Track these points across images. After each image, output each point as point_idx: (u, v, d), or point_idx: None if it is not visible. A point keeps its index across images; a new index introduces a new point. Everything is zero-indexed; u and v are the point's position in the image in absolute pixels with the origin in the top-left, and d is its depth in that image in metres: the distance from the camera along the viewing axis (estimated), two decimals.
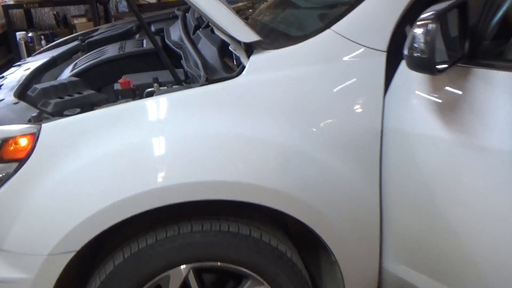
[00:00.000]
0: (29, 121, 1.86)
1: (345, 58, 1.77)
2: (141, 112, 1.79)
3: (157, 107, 1.81)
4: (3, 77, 2.81)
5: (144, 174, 1.71)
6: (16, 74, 2.80)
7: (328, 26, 1.82)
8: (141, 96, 2.16)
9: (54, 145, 1.76)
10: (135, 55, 2.69)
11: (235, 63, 2.02)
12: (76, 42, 3.26)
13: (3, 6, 4.56)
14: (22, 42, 4.64)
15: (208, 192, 1.72)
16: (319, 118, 1.76)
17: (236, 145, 1.73)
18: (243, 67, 1.86)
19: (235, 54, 1.95)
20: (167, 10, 3.69)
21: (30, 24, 4.74)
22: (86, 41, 3.18)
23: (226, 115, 1.76)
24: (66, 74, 2.74)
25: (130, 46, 2.80)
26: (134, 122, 1.76)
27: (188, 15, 3.06)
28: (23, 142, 1.78)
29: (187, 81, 2.21)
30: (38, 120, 1.90)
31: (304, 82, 1.78)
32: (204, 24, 2.54)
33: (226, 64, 2.06)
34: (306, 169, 1.75)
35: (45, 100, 2.15)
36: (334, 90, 1.77)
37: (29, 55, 4.77)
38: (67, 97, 2.15)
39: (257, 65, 1.82)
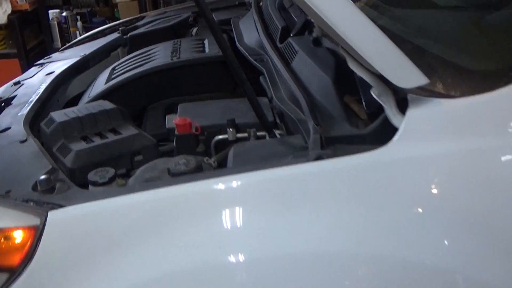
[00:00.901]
0: (32, 200, 1.13)
1: None
2: (211, 203, 1.03)
3: (239, 192, 1.05)
4: (18, 82, 2.11)
5: None
6: (36, 80, 2.10)
7: None
8: (206, 146, 1.41)
9: (67, 252, 1.03)
10: (194, 65, 1.93)
11: (365, 108, 1.24)
12: (115, 35, 2.53)
13: None
14: (55, 22, 3.95)
15: None
16: None
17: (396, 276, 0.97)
18: (385, 124, 1.08)
19: (370, 97, 1.17)
20: None
21: (65, 0, 4.07)
22: (128, 35, 2.44)
23: (363, 219, 0.99)
24: (101, 82, 2.01)
25: (186, 49, 2.04)
26: (202, 221, 1.01)
27: (265, 3, 2.26)
28: (18, 238, 1.06)
29: (278, 125, 1.44)
30: (47, 186, 1.17)
31: None
32: (296, 27, 1.75)
33: (348, 106, 1.28)
34: None
35: (64, 142, 1.43)
36: None
37: (62, 38, 4.08)
38: (96, 139, 1.43)
39: (421, 126, 1.03)
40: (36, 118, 1.76)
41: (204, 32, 2.36)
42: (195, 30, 2.43)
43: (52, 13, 4.01)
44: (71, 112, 1.53)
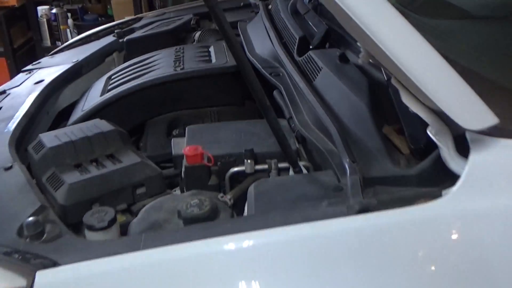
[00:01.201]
0: (17, 252, 0.94)
1: None
2: (235, 267, 0.85)
3: (267, 254, 0.86)
4: (4, 92, 1.91)
5: None
6: (23, 89, 1.90)
7: None
8: (220, 178, 1.23)
9: None
10: (200, 77, 1.74)
11: (409, 142, 1.06)
12: (110, 38, 2.33)
13: None
14: (44, 20, 3.71)
15: None
16: None
17: None
18: (437, 165, 0.91)
19: (415, 130, 0.99)
20: None
21: None
22: (125, 39, 2.24)
23: None
24: (96, 94, 1.82)
25: (191, 58, 1.85)
26: None
27: (274, 7, 2.07)
28: None
29: (299, 151, 1.26)
30: (34, 231, 0.99)
31: None
32: (316, 38, 1.56)
33: (387, 138, 1.11)
34: None
35: (55, 172, 1.24)
36: None
37: (52, 36, 3.86)
38: (92, 168, 1.24)
39: (488, 174, 0.86)
40: (23, 136, 1.57)
41: (208, 37, 2.18)
42: (197, 34, 2.24)
43: (41, 9, 3.78)
44: (63, 135, 1.34)
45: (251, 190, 1.05)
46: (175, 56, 1.88)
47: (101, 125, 1.39)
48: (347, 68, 1.33)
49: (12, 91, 1.92)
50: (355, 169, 0.99)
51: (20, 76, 2.08)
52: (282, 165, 1.21)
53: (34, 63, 2.18)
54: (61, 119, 1.89)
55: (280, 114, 1.47)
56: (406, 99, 0.92)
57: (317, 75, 1.39)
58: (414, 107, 0.90)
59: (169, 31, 2.24)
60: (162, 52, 1.97)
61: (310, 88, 1.34)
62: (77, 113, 1.77)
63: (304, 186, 1.04)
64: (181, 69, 1.75)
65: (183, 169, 1.23)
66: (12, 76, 3.82)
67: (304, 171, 1.16)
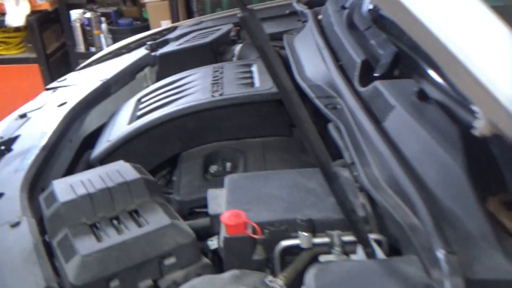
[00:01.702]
0: None
1: None
2: None
3: None
4: (24, 115, 1.72)
5: None
6: (45, 113, 1.70)
7: None
8: (267, 251, 0.98)
9: None
10: (241, 104, 1.50)
11: None
12: (142, 51, 2.11)
13: None
14: (78, 24, 3.53)
15: None
16: None
17: None
18: None
19: None
20: None
21: None
22: (158, 53, 2.02)
23: None
24: (124, 120, 1.61)
25: (231, 80, 1.60)
26: None
27: (326, 19, 1.80)
28: None
29: (370, 221, 1.00)
30: None
31: None
32: (383, 63, 1.29)
33: (494, 216, 0.83)
34: None
35: (67, 235, 1.02)
36: None
37: (85, 41, 3.69)
38: (110, 231, 1.01)
39: None
40: (39, 174, 1.37)
41: (250, 52, 1.93)
42: (238, 48, 1.99)
43: (75, 14, 3.61)
44: (79, 184, 1.12)
45: (311, 282, 0.79)
46: (213, 77, 1.64)
47: (124, 171, 1.16)
48: (429, 108, 1.05)
49: (33, 114, 1.73)
50: (454, 266, 0.72)
51: (44, 95, 1.89)
52: (347, 238, 0.95)
53: (59, 79, 1.99)
54: (87, 145, 1.68)
55: (334, 151, 1.22)
56: None
57: (388, 114, 1.12)
58: None
59: (206, 44, 2.00)
60: (198, 71, 1.73)
61: (379, 131, 1.07)
62: (102, 143, 1.56)
63: (381, 279, 0.79)
64: (220, 94, 1.51)
65: (221, 238, 0.99)
66: (46, 84, 3.69)
67: (378, 250, 0.89)
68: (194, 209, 1.36)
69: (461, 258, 0.75)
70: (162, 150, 1.53)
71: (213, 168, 1.47)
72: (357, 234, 0.90)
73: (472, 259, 0.76)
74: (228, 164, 1.48)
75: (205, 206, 1.33)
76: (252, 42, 0.73)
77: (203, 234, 1.23)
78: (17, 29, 3.70)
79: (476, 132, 0.79)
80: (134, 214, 1.08)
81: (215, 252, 1.15)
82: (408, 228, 0.87)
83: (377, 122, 1.12)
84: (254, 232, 0.95)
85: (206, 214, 1.36)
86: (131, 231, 1.01)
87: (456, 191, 0.87)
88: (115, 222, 1.07)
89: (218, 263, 1.25)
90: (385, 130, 1.10)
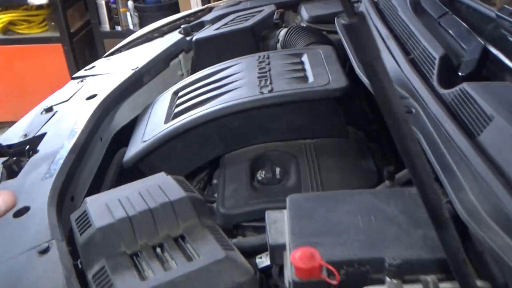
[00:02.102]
0: None
1: None
2: None
3: None
4: (50, 109, 1.57)
5: None
6: (73, 108, 1.55)
7: None
8: None
9: None
10: (294, 102, 1.32)
11: None
12: (176, 35, 1.94)
13: None
14: (103, 1, 3.35)
15: None
16: None
17: None
18: None
19: None
20: None
21: None
22: (193, 39, 1.84)
23: None
24: (160, 117, 1.45)
25: (280, 74, 1.42)
26: None
27: (387, 1, 1.59)
28: None
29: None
30: None
31: None
32: (469, 60, 1.09)
33: None
34: None
35: (105, 267, 0.87)
36: None
37: (111, 20, 3.51)
38: (154, 264, 0.86)
39: None
40: (69, 181, 1.23)
41: (298, 39, 1.73)
42: (282, 32, 1.80)
43: None
44: (116, 203, 0.96)
45: None
46: (259, 69, 1.46)
47: (167, 187, 1.00)
48: None
49: (59, 108, 1.58)
50: None
51: (71, 85, 1.74)
52: (445, 286, 0.77)
53: (87, 67, 1.83)
54: (118, 142, 1.53)
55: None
56: None
57: (484, 126, 0.92)
58: None
59: (247, 29, 1.81)
60: (241, 61, 1.55)
61: (474, 147, 0.89)
62: (136, 143, 1.40)
63: None
64: (269, 90, 1.33)
65: (287, 279, 0.82)
66: (69, 65, 3.56)
67: None
68: (240, 222, 1.21)
69: None
70: (203, 152, 1.37)
71: (261, 174, 1.31)
72: (461, 282, 0.72)
73: None
74: (278, 170, 1.31)
75: (254, 220, 1.19)
76: (357, 57, 0.55)
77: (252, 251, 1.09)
78: (39, 7, 3.55)
79: None
80: (180, 241, 0.93)
81: (263, 270, 1.04)
82: None
83: (472, 136, 0.93)
84: (332, 276, 0.78)
85: (253, 228, 1.21)
86: (179, 266, 0.86)
87: None
88: (158, 250, 0.92)
89: (266, 283, 1.10)
90: (481, 146, 0.91)
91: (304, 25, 1.89)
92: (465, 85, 1.02)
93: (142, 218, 0.93)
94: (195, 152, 1.37)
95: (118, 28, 3.46)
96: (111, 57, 1.89)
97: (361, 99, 1.58)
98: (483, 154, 0.88)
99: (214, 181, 1.39)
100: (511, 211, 0.76)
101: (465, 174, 0.89)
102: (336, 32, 1.69)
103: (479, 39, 1.12)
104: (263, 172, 1.31)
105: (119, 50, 1.95)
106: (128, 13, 3.42)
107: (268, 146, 1.36)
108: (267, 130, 1.35)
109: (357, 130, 1.44)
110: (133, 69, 1.68)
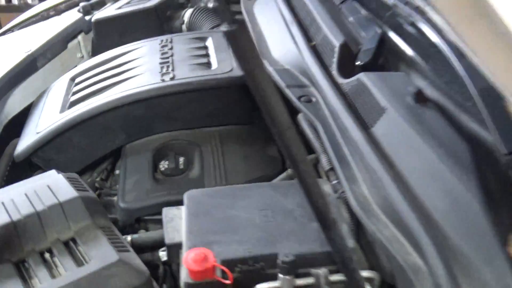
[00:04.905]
0: None
1: None
2: None
3: None
4: None
5: None
6: None
7: None
8: None
9: None
10: (197, 90, 1.29)
11: None
12: (75, 14, 1.81)
13: None
14: None
15: None
16: None
17: None
18: None
19: None
20: None
21: None
22: (93, 18, 1.73)
23: None
24: (55, 106, 1.36)
25: (183, 60, 1.38)
26: None
27: None
28: None
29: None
30: None
31: None
32: (367, 48, 1.10)
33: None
34: None
35: None
36: None
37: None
38: (40, 272, 0.81)
39: None
40: None
41: (203, 21, 1.68)
42: (188, 13, 1.74)
43: None
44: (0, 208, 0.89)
45: None
46: (161, 54, 1.40)
47: (57, 186, 0.94)
48: (428, 114, 0.89)
49: None
50: None
51: None
52: (335, 277, 0.79)
53: None
54: (10, 133, 1.42)
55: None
56: None
57: (377, 118, 0.94)
58: None
59: (150, 9, 1.74)
60: (143, 45, 1.48)
61: (368, 140, 0.91)
62: (29, 134, 1.31)
63: None
64: (171, 78, 1.28)
65: (182, 280, 0.80)
66: None
67: None
68: (142, 217, 1.17)
69: None
70: (103, 143, 1.31)
71: (163, 165, 1.27)
72: (348, 276, 0.74)
73: None
74: (181, 159, 1.28)
75: (156, 213, 1.15)
76: (239, 65, 0.52)
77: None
78: None
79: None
80: (71, 245, 0.87)
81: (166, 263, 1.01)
82: (410, 270, 0.72)
83: (366, 128, 0.95)
84: (224, 276, 0.77)
85: (156, 221, 1.18)
86: (68, 272, 0.81)
87: (468, 226, 0.72)
88: (47, 256, 0.86)
89: (170, 275, 1.09)
90: (375, 138, 0.93)
91: (211, 6, 1.84)
92: (361, 76, 1.03)
93: (28, 222, 0.86)
94: (94, 143, 1.30)
95: (15, 1, 3.20)
96: (1, 37, 1.74)
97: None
98: (375, 146, 0.90)
99: (117, 171, 1.33)
100: (398, 204, 0.78)
101: (358, 166, 0.91)
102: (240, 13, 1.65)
103: (376, 27, 1.14)
104: (166, 162, 1.27)
105: (10, 30, 1.80)
106: None
107: (171, 135, 1.32)
108: (170, 118, 1.31)
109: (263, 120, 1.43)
110: (26, 52, 1.56)
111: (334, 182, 0.96)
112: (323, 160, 1.02)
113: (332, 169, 0.99)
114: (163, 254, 1.06)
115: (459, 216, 0.75)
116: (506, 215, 0.73)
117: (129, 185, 1.19)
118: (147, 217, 1.17)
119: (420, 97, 0.90)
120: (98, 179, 1.33)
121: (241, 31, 0.51)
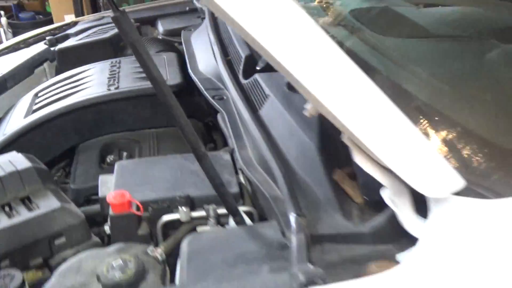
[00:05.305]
0: None
1: None
2: None
3: None
4: None
5: None
6: None
7: None
8: (151, 226, 1.08)
9: None
10: (136, 97, 1.59)
11: (362, 195, 0.95)
12: (41, 45, 2.12)
13: None
14: None
15: None
16: None
17: None
18: (392, 223, 0.81)
19: (370, 181, 0.88)
20: None
21: None
22: (57, 48, 2.04)
23: None
24: (20, 114, 1.63)
25: (127, 75, 1.68)
26: None
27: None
28: None
29: (245, 198, 1.14)
30: None
31: None
32: (264, 58, 1.43)
33: (338, 185, 0.99)
34: None
35: None
36: None
37: None
38: (1, 216, 1.06)
39: (454, 239, 0.76)
40: None
41: (149, 46, 2.00)
42: None
43: None
44: None
45: (184, 248, 0.91)
46: (110, 72, 1.71)
47: (17, 160, 1.21)
48: (297, 98, 1.20)
49: None
50: (301, 225, 0.86)
51: None
52: (222, 211, 1.07)
53: None
54: None
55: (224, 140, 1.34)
56: (359, 159, 0.80)
57: (263, 103, 1.26)
58: (368, 167, 0.79)
59: (106, 40, 2.06)
60: (96, 66, 1.79)
61: (255, 119, 1.21)
62: None
63: (244, 242, 0.92)
64: (115, 88, 1.58)
65: (108, 218, 1.08)
66: None
67: (246, 219, 1.03)
68: (90, 196, 1.43)
69: (309, 219, 0.90)
70: (59, 143, 1.57)
71: (109, 158, 1.54)
72: (227, 206, 1.02)
73: (317, 219, 0.91)
74: (124, 154, 1.56)
75: None
76: (124, 40, 0.82)
77: (100, 219, 1.31)
78: None
79: (306, 113, 0.94)
80: (26, 201, 1.14)
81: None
82: (272, 199, 1.01)
83: (254, 111, 1.25)
84: (138, 210, 1.05)
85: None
86: (22, 215, 1.07)
87: (309, 165, 1.02)
88: (7, 209, 1.12)
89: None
90: (260, 117, 1.23)
91: (160, 37, 2.17)
92: (256, 76, 1.35)
93: None
94: (51, 142, 1.56)
95: None
96: None
97: (200, 95, 1.88)
98: (259, 123, 1.20)
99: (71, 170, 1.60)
100: (267, 156, 1.07)
101: (247, 137, 1.22)
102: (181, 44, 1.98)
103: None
104: (112, 156, 1.55)
105: None
106: (1, 29, 3.50)
107: (117, 136, 1.60)
108: (115, 121, 1.59)
109: (198, 122, 1.73)
110: None
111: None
112: (229, 143, 1.31)
113: (234, 151, 1.28)
114: (107, 228, 1.31)
115: (303, 159, 1.05)
116: (333, 156, 1.03)
117: (79, 171, 1.46)
118: (94, 197, 1.43)
119: (290, 86, 1.22)
120: (58, 174, 1.59)
121: (123, 17, 0.81)
